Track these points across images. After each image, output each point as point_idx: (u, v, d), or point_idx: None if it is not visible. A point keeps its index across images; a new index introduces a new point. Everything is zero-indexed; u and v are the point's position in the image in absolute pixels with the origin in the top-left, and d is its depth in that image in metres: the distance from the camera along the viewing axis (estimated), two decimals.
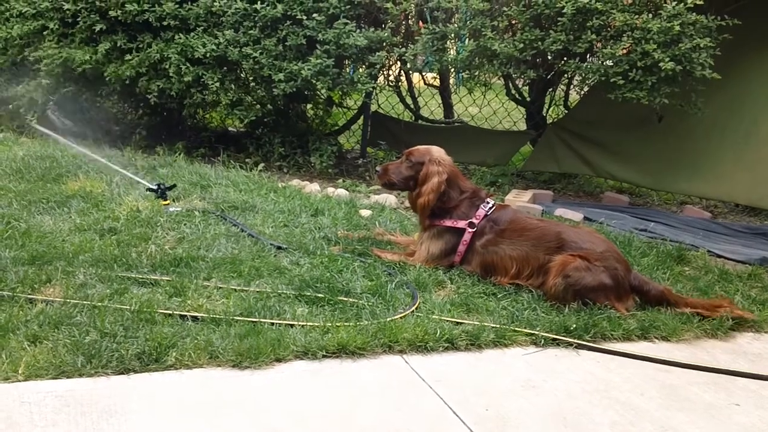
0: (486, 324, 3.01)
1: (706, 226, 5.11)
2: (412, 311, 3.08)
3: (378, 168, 3.92)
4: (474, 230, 3.61)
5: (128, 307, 2.85)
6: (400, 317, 3.01)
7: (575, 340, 3.00)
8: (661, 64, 4.54)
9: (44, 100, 6.20)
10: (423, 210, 3.71)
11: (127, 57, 5.76)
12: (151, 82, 5.78)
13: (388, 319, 2.96)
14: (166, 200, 4.37)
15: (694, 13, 4.56)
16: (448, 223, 3.66)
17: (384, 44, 5.55)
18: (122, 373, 2.49)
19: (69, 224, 3.85)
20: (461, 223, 3.64)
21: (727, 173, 5.35)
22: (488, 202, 3.67)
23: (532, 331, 3.02)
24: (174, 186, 4.57)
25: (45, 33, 5.97)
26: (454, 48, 5.82)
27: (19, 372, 2.41)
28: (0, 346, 2.53)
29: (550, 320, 3.12)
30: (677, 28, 4.50)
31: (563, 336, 3.02)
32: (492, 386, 2.64)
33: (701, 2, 4.53)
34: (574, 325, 3.07)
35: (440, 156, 3.75)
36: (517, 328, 3.02)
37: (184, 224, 3.98)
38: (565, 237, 3.45)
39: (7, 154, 5.41)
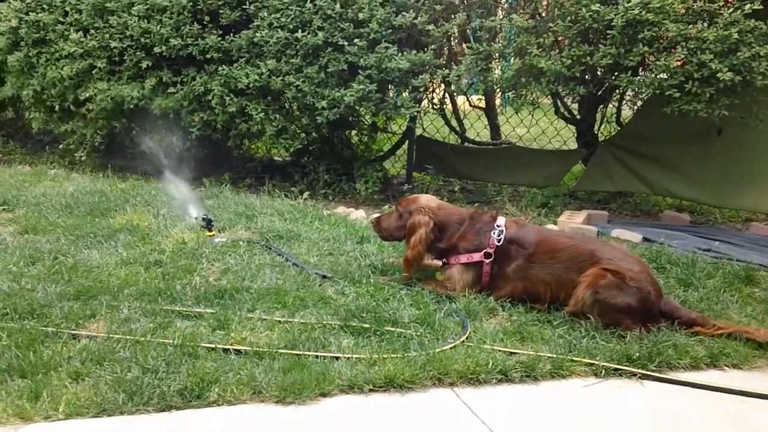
0: (541, 354, 2.85)
1: None
2: (463, 341, 2.94)
3: (372, 219, 3.91)
4: (491, 260, 3.48)
5: (171, 341, 2.79)
6: (450, 348, 2.87)
7: (639, 370, 2.81)
8: (719, 74, 4.31)
9: (93, 136, 6.32)
10: (409, 265, 3.61)
11: (170, 90, 5.82)
12: (194, 114, 5.82)
13: (438, 350, 2.83)
14: (211, 231, 4.34)
15: (752, 20, 4.34)
16: (464, 259, 3.55)
17: (427, 67, 5.46)
18: (164, 410, 2.43)
19: (115, 258, 3.84)
20: (476, 257, 3.51)
21: None
22: (497, 226, 3.52)
23: (592, 361, 2.83)
24: (211, 220, 4.45)
25: (93, 72, 6.09)
26: (499, 68, 5.70)
27: (60, 410, 2.37)
28: (42, 383, 2.50)
29: (610, 349, 2.93)
30: (735, 36, 4.29)
31: (626, 366, 2.83)
32: (550, 421, 2.48)
33: (760, 7, 4.32)
34: (637, 354, 2.87)
35: (427, 203, 3.68)
36: (575, 358, 2.84)
37: (229, 255, 3.94)
38: (599, 255, 3.27)
39: (58, 189, 5.52)
